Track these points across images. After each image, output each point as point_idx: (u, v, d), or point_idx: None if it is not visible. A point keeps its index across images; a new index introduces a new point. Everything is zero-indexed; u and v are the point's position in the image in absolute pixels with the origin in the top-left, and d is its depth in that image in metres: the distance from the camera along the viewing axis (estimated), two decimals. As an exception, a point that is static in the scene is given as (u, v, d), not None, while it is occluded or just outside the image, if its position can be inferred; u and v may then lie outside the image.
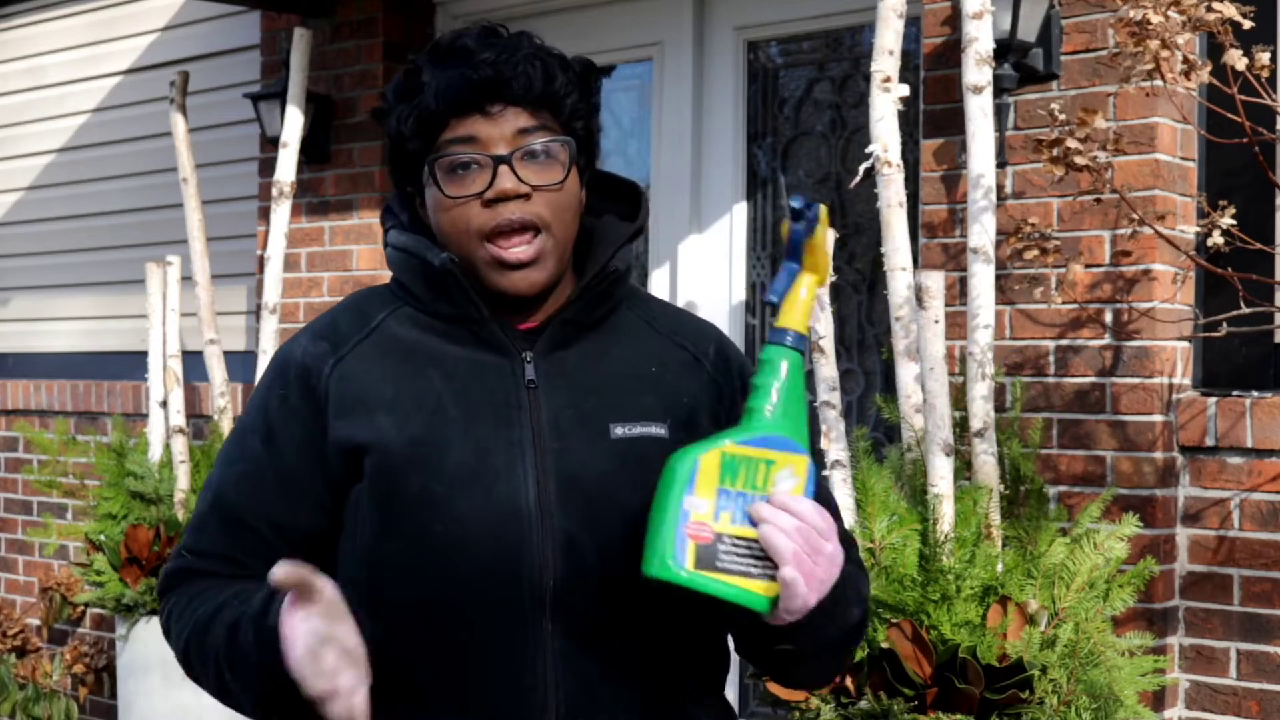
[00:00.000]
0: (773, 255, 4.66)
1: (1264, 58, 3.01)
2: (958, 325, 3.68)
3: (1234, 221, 3.19)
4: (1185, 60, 3.03)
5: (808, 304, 1.65)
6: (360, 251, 5.14)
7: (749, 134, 4.67)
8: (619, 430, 1.70)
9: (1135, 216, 3.38)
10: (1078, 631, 3.10)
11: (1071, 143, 3.15)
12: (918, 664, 3.02)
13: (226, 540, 1.73)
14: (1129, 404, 3.57)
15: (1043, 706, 3.02)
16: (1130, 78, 3.07)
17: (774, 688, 3.16)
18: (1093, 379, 3.62)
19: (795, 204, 1.64)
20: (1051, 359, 3.69)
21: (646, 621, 1.68)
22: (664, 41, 4.78)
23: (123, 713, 5.16)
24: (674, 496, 1.54)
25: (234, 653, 1.64)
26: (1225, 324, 3.39)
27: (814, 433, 4.42)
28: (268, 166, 5.25)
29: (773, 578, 1.55)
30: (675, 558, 1.53)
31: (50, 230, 6.51)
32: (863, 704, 3.04)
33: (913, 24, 4.00)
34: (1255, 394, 3.55)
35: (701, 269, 4.69)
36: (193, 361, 5.38)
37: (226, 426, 5.14)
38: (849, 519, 3.34)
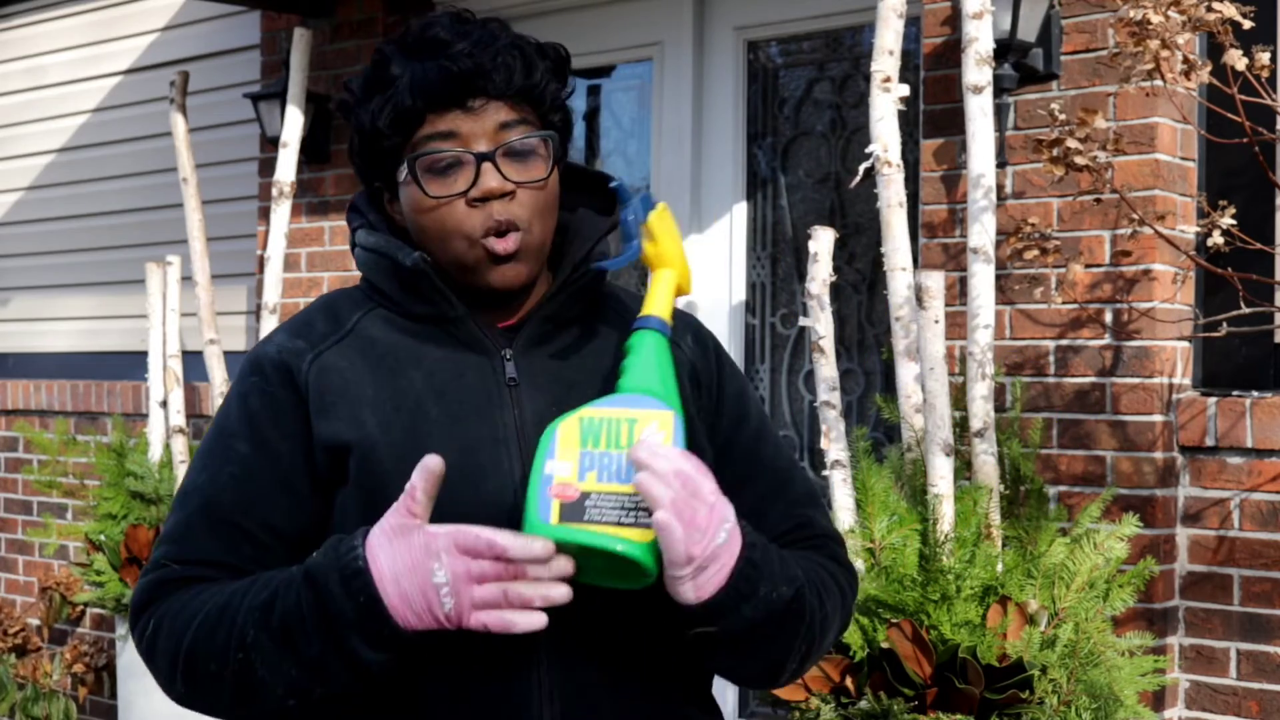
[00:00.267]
0: (773, 255, 4.66)
1: (1264, 58, 3.01)
2: (958, 325, 3.68)
3: (1234, 221, 3.19)
4: (1185, 60, 3.03)
5: (667, 295, 1.66)
6: (360, 251, 5.14)
7: (749, 134, 4.67)
8: None
9: (1135, 216, 3.38)
10: (1078, 631, 3.10)
11: (1071, 143, 3.15)
12: (918, 664, 3.02)
13: (219, 546, 1.63)
14: (1129, 404, 3.57)
15: (1043, 706, 3.02)
16: (1130, 78, 3.07)
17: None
18: (1093, 379, 3.62)
19: (615, 184, 1.67)
20: (1051, 359, 3.69)
21: (640, 622, 1.63)
22: (664, 41, 4.78)
23: (123, 713, 5.16)
24: (537, 465, 1.53)
25: (271, 630, 1.52)
26: (1225, 324, 3.39)
27: (814, 433, 4.46)
28: (268, 166, 5.25)
29: (647, 526, 1.50)
30: (539, 516, 1.50)
31: (50, 230, 6.51)
32: (863, 704, 3.04)
33: (913, 24, 4.01)
34: (1255, 394, 3.55)
35: (701, 269, 4.69)
36: (193, 361, 5.38)
37: (226, 426, 5.13)
38: (849, 519, 3.34)
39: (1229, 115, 3.20)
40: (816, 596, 1.65)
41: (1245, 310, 3.27)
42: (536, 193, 1.66)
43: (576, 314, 1.73)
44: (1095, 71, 3.64)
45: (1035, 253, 3.37)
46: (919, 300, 3.31)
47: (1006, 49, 3.61)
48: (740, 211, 4.66)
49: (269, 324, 4.90)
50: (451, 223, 1.64)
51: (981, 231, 3.41)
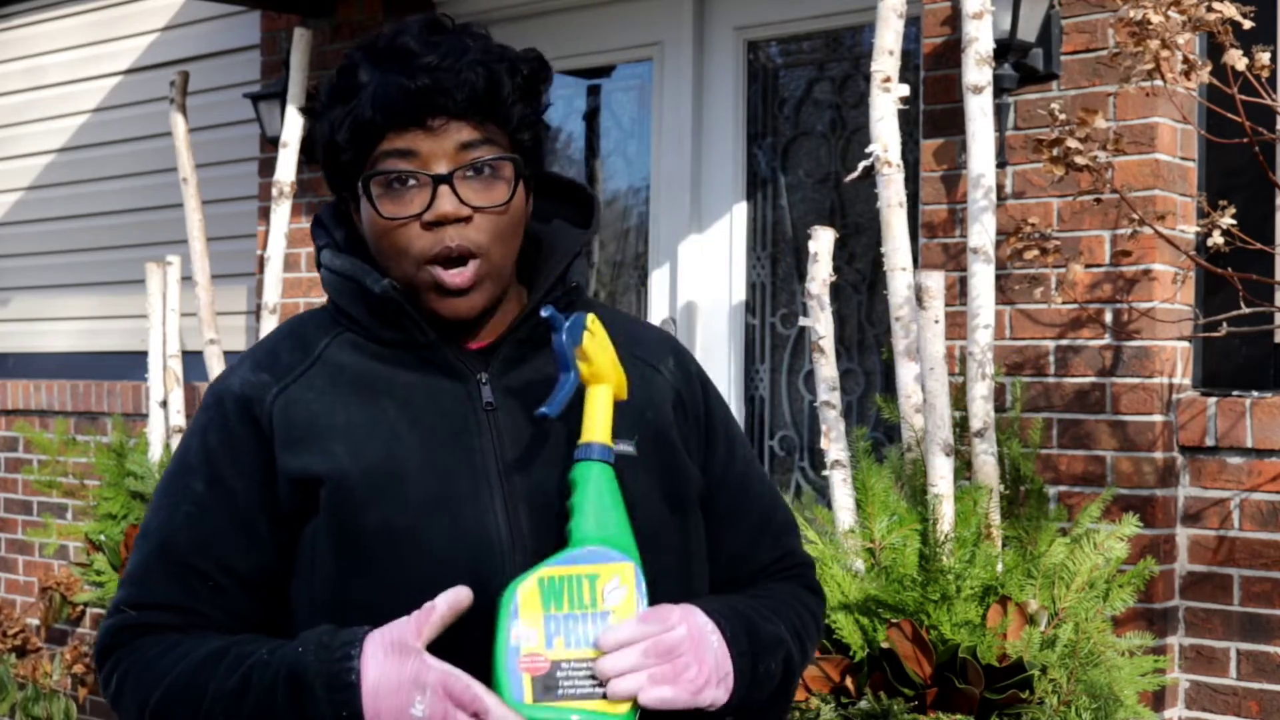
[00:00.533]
0: (773, 255, 4.66)
1: (1264, 58, 3.01)
2: (958, 325, 3.68)
3: (1234, 221, 3.19)
4: (1185, 60, 3.03)
5: (605, 413, 1.58)
6: (360, 251, 5.14)
7: (749, 134, 4.67)
8: None
9: (1135, 216, 3.38)
10: (1078, 631, 3.10)
11: (1071, 143, 3.15)
12: (918, 664, 3.02)
13: (176, 589, 1.57)
14: (1129, 404, 3.57)
15: (1043, 706, 3.02)
16: (1130, 78, 3.07)
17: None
18: (1093, 379, 3.62)
19: (546, 313, 1.57)
20: (1051, 359, 3.69)
21: None
22: (664, 41, 4.78)
23: (123, 713, 5.16)
24: (500, 633, 1.48)
25: (248, 708, 1.49)
26: (1225, 324, 3.39)
27: (814, 433, 4.46)
28: (268, 166, 5.25)
29: None
30: (512, 694, 1.46)
31: (50, 230, 6.51)
32: (863, 704, 3.04)
33: (913, 24, 4.00)
34: (1255, 394, 3.55)
35: (701, 269, 4.69)
36: (193, 361, 5.38)
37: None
38: (849, 519, 3.34)
39: (1229, 115, 3.20)
40: (798, 642, 1.68)
41: (1245, 310, 3.27)
42: (496, 217, 1.59)
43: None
44: (1095, 71, 3.64)
45: (1035, 253, 3.37)
46: (919, 300, 3.31)
47: (1006, 49, 3.61)
48: (740, 211, 4.66)
49: (269, 324, 4.90)
50: (402, 243, 1.58)
51: (981, 231, 3.41)
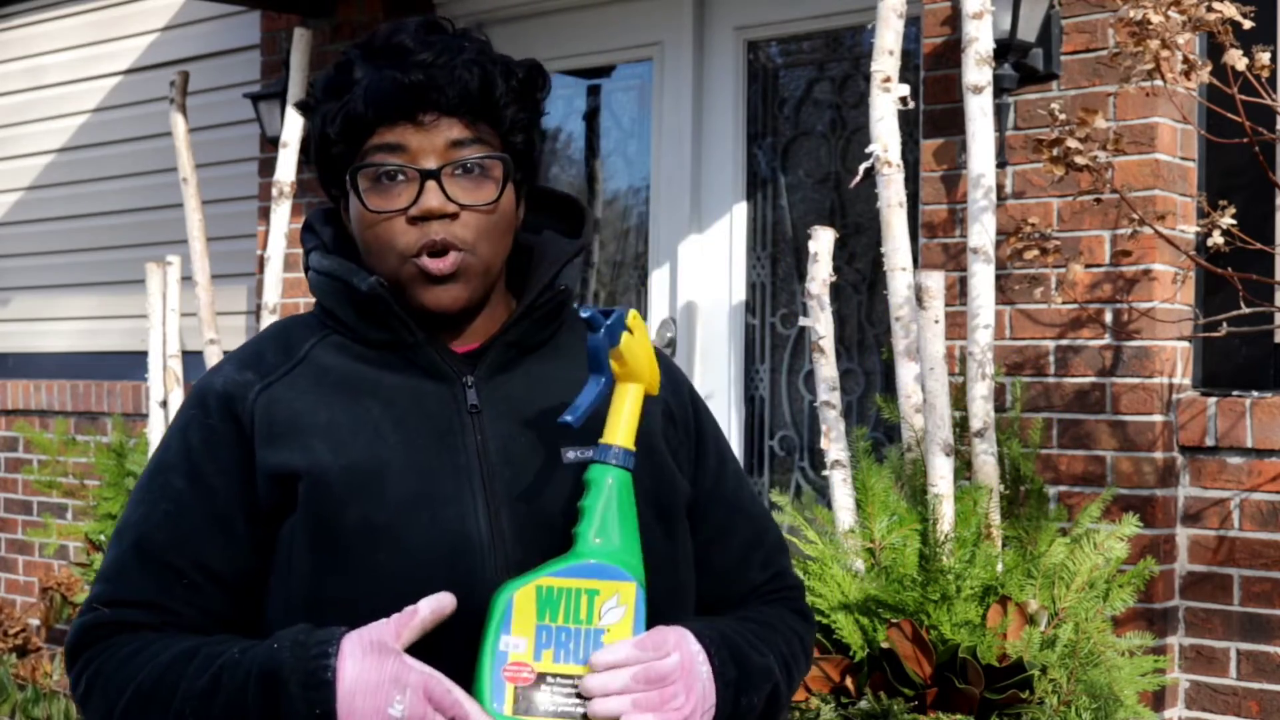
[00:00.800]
0: (773, 255, 4.66)
1: (1264, 58, 3.01)
2: (958, 325, 3.68)
3: (1234, 221, 3.19)
4: (1185, 60, 3.03)
5: (632, 415, 1.54)
6: (360, 251, 5.14)
7: (749, 134, 4.67)
8: (571, 455, 1.59)
9: (1135, 216, 3.38)
10: (1078, 631, 3.10)
11: (1071, 143, 3.15)
12: (918, 664, 3.02)
13: (152, 586, 1.56)
14: (1129, 404, 3.57)
15: (1043, 706, 3.02)
16: (1130, 78, 3.07)
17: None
18: (1093, 379, 3.62)
19: (585, 314, 1.53)
20: (1051, 359, 3.69)
21: None
22: (664, 41, 4.78)
23: (123, 713, 5.16)
24: (490, 637, 1.45)
25: (218, 708, 1.47)
26: (1225, 324, 3.39)
27: (814, 433, 4.46)
28: (268, 166, 5.25)
29: None
30: (492, 702, 1.44)
31: (50, 230, 6.51)
32: (863, 704, 3.04)
33: (913, 24, 4.01)
34: (1255, 394, 3.55)
35: (701, 269, 4.69)
36: (193, 361, 5.38)
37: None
38: (849, 519, 3.34)
39: (1229, 115, 3.20)
40: (786, 674, 1.67)
41: (1245, 310, 3.27)
42: (483, 215, 1.59)
43: (541, 340, 1.67)
44: (1095, 71, 3.64)
45: (1035, 253, 3.37)
46: (919, 300, 3.31)
47: (1006, 49, 3.61)
48: (740, 211, 4.66)
49: (269, 324, 4.89)
50: (387, 238, 1.58)
51: (981, 231, 3.41)
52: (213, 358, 5.19)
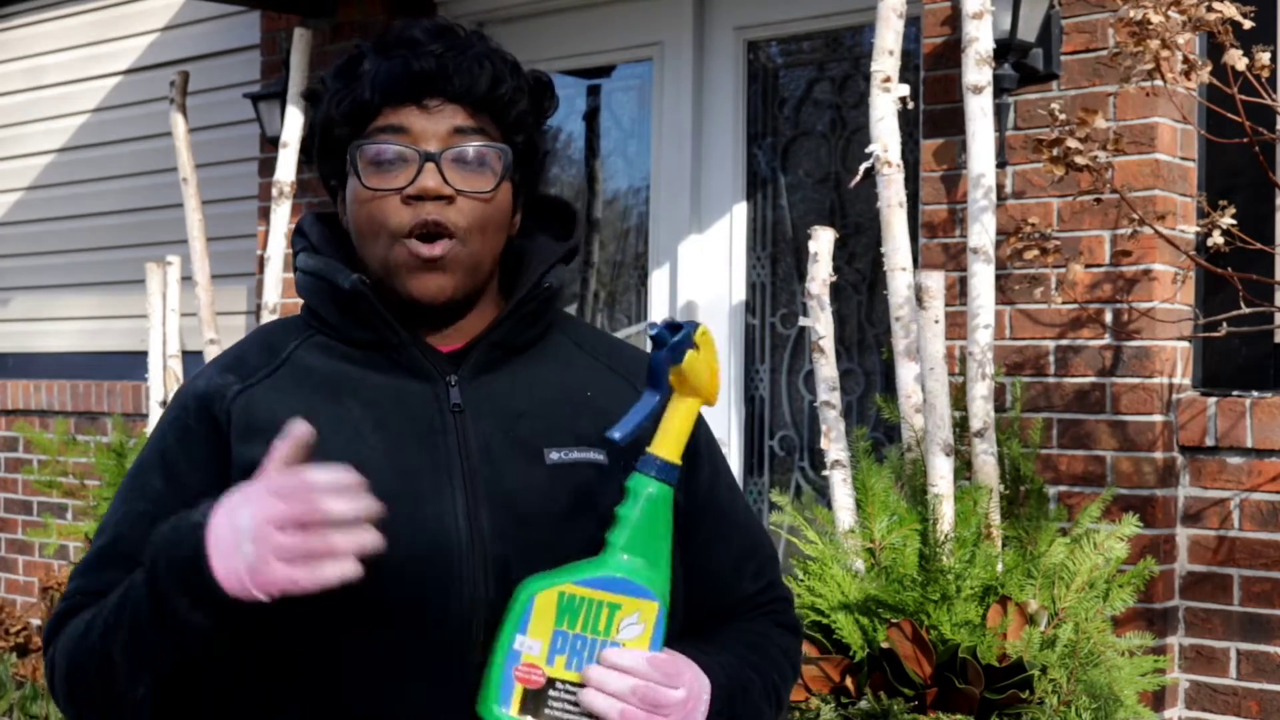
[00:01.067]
0: (773, 255, 4.66)
1: (1264, 58, 3.01)
2: (958, 325, 3.68)
3: (1234, 221, 3.19)
4: (1185, 60, 3.03)
5: (682, 430, 1.52)
6: (360, 251, 5.14)
7: (749, 134, 4.67)
8: (554, 456, 1.59)
9: (1135, 216, 3.38)
10: (1078, 631, 3.10)
11: (1071, 143, 3.15)
12: (918, 664, 3.02)
13: (122, 579, 1.55)
14: (1129, 404, 3.57)
15: (1043, 706, 3.02)
16: (1130, 78, 3.07)
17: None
18: (1093, 379, 3.62)
19: (654, 332, 1.51)
20: (1051, 359, 3.69)
21: None
22: (664, 41, 4.78)
23: (123, 713, 5.16)
24: (506, 634, 1.46)
25: (121, 610, 1.49)
26: (1225, 324, 3.39)
27: (814, 433, 4.46)
28: (268, 166, 5.25)
29: None
30: (499, 700, 1.44)
31: (50, 230, 6.51)
32: (863, 704, 3.04)
33: (913, 24, 4.01)
34: (1255, 394, 3.55)
35: (701, 269, 4.69)
36: (193, 361, 5.38)
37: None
38: (849, 519, 3.34)
39: (1229, 115, 3.20)
40: (774, 699, 1.67)
41: (1245, 310, 3.27)
42: (479, 204, 1.59)
43: (527, 341, 1.66)
44: (1095, 71, 3.64)
45: (1035, 253, 3.37)
46: (919, 300, 3.31)
47: (1006, 49, 3.61)
48: (740, 211, 4.66)
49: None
50: (380, 216, 1.58)
51: (981, 231, 3.41)
52: (212, 358, 5.19)
